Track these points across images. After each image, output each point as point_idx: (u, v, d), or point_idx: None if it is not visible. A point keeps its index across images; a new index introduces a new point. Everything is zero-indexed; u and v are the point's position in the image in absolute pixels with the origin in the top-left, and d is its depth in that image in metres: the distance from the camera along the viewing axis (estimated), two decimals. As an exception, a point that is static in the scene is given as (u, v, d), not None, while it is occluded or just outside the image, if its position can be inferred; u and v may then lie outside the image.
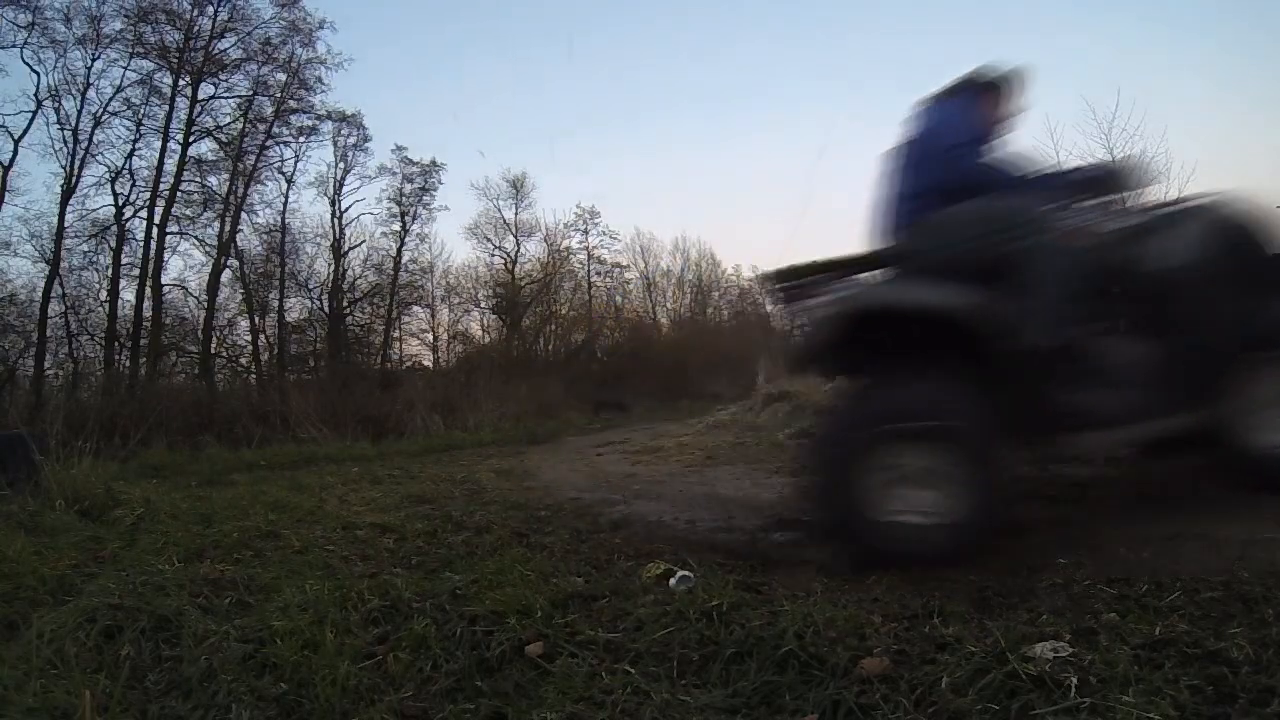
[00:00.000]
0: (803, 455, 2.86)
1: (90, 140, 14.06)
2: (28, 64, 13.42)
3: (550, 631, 1.73)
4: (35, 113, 13.53)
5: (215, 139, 15.68)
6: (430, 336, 20.08)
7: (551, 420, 12.62)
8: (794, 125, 39.75)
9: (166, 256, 15.04)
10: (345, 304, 17.90)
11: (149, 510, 3.73)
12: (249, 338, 16.82)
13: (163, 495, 4.38)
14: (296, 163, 17.04)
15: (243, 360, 16.73)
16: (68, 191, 13.81)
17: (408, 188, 19.23)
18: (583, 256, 22.74)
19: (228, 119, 15.78)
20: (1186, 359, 2.27)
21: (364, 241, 18.46)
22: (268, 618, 1.89)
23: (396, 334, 19.33)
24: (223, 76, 15.49)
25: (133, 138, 14.51)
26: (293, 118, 16.70)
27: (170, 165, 14.77)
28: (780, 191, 38.94)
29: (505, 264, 21.10)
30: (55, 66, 13.63)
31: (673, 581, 2.07)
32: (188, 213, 15.43)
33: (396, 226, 19.11)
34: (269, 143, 16.43)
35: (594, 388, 17.20)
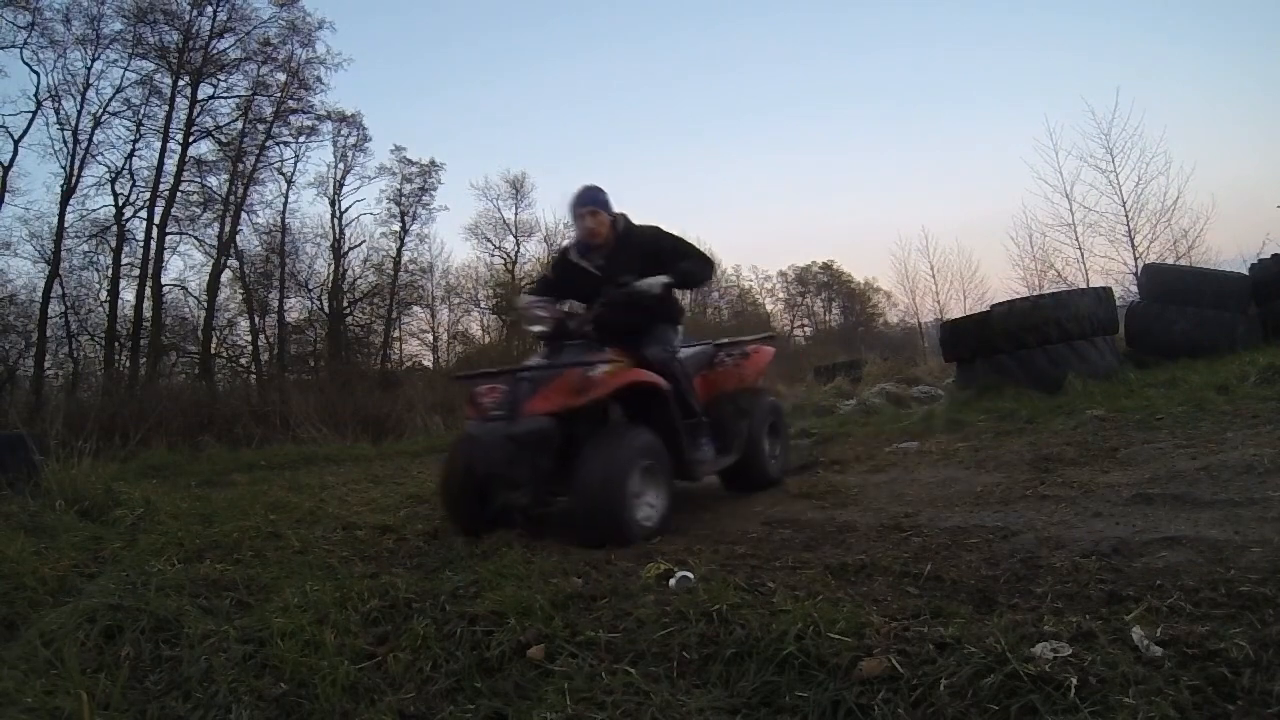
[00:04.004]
0: None
1: (90, 140, 14.12)
2: (28, 64, 13.49)
3: (550, 632, 1.73)
4: (35, 113, 13.60)
5: (215, 139, 15.73)
6: (430, 336, 20.12)
7: (551, 420, 12.59)
8: (794, 125, 39.80)
9: (166, 256, 15.11)
10: (345, 304, 17.91)
11: (149, 510, 3.72)
12: (249, 338, 16.87)
13: (163, 495, 4.37)
14: (296, 163, 17.13)
15: (243, 360, 16.76)
16: (68, 191, 13.85)
17: (407, 188, 19.29)
18: (583, 256, 22.76)
19: (227, 119, 15.82)
20: None
21: (364, 241, 18.50)
22: (268, 618, 1.89)
23: (396, 334, 19.37)
24: (222, 77, 15.56)
25: (133, 138, 14.58)
26: (292, 118, 16.78)
27: (170, 165, 14.84)
28: (780, 192, 39.01)
29: (505, 264, 21.12)
30: (55, 67, 13.70)
31: (672, 582, 2.06)
32: (188, 213, 15.47)
33: (396, 226, 19.17)
34: (269, 143, 16.50)
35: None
